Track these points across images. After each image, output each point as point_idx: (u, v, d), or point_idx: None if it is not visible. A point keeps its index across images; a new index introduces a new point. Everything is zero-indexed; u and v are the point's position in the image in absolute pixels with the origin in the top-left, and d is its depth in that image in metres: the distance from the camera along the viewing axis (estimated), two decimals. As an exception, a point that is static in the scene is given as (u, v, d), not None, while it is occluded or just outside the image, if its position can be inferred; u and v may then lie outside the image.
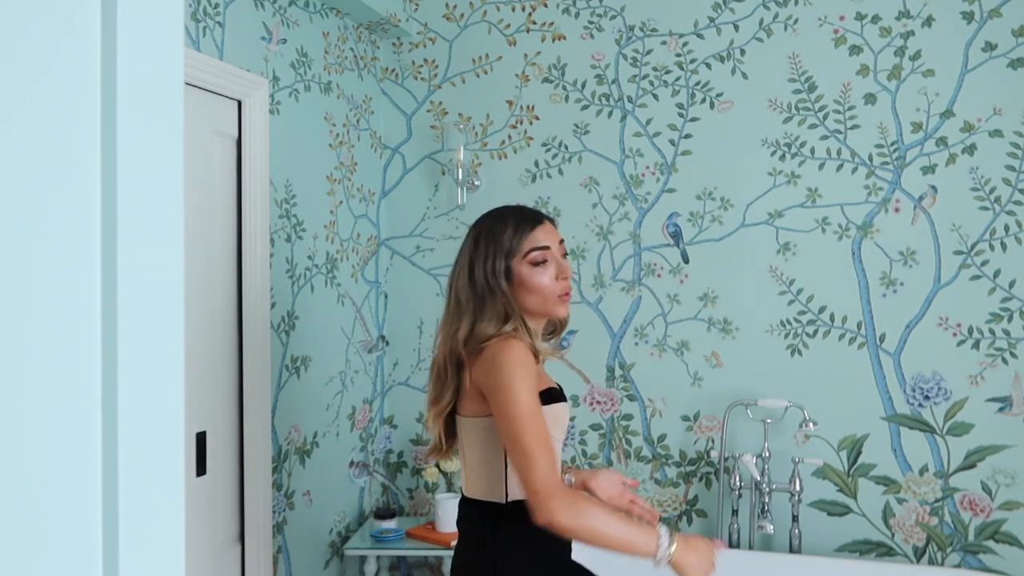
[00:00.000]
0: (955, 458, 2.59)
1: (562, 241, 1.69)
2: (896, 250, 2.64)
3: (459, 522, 1.69)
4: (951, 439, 2.59)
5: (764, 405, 2.65)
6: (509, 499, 1.59)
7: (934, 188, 2.61)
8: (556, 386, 1.67)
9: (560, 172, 2.92)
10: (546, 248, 1.64)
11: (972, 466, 2.57)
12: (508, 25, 2.97)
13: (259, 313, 2.35)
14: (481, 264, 1.62)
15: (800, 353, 2.71)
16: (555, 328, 1.80)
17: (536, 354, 1.61)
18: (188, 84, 2.11)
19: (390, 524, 2.79)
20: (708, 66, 2.79)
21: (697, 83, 2.80)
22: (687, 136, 2.81)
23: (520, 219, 1.65)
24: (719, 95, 2.78)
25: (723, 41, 2.78)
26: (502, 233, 1.63)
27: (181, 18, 0.54)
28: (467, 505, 1.67)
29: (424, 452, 3.09)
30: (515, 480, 1.56)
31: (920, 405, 2.61)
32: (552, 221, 1.69)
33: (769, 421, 2.66)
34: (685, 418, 2.81)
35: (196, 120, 2.15)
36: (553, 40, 2.93)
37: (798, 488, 2.59)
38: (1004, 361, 2.54)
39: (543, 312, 1.64)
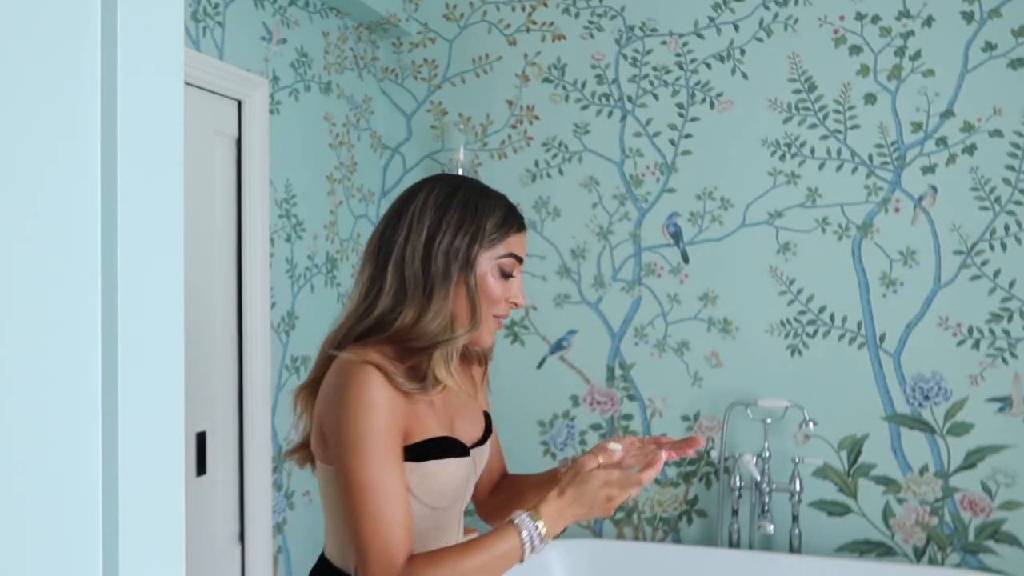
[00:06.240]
0: (955, 458, 2.59)
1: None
2: (896, 250, 2.64)
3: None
4: (951, 439, 2.59)
5: (764, 405, 2.65)
6: (337, 564, 1.29)
7: (934, 188, 2.61)
8: (453, 436, 1.28)
9: (560, 172, 2.92)
10: (520, 261, 1.31)
11: (972, 466, 2.57)
12: (508, 25, 2.97)
13: (259, 313, 2.35)
14: (450, 236, 1.24)
15: (800, 353, 2.71)
16: (482, 358, 1.46)
17: (421, 388, 1.22)
18: (188, 84, 2.11)
19: (390, 524, 2.79)
20: (708, 66, 2.79)
21: (697, 83, 2.80)
22: (687, 136, 2.81)
23: (510, 211, 1.32)
24: (719, 95, 2.78)
25: (723, 41, 2.78)
26: (488, 213, 1.28)
27: (181, 18, 0.54)
28: (322, 564, 1.33)
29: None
30: (341, 544, 1.27)
31: (920, 405, 2.61)
32: None
33: (769, 421, 2.66)
34: (685, 418, 2.81)
35: (196, 120, 2.15)
36: (553, 40, 2.93)
37: (798, 488, 2.59)
38: (1004, 361, 2.55)
39: (470, 332, 1.26)
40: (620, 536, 2.87)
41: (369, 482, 1.14)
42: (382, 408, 1.16)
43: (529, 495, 1.38)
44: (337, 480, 1.19)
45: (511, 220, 1.30)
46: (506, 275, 1.29)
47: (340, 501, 1.19)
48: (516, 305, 1.30)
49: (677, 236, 2.82)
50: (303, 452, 1.37)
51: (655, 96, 2.84)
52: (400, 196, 1.33)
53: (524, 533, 1.14)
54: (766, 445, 2.63)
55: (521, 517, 1.16)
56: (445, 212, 1.26)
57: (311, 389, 1.32)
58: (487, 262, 1.27)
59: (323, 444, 1.24)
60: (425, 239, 1.24)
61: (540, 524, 1.15)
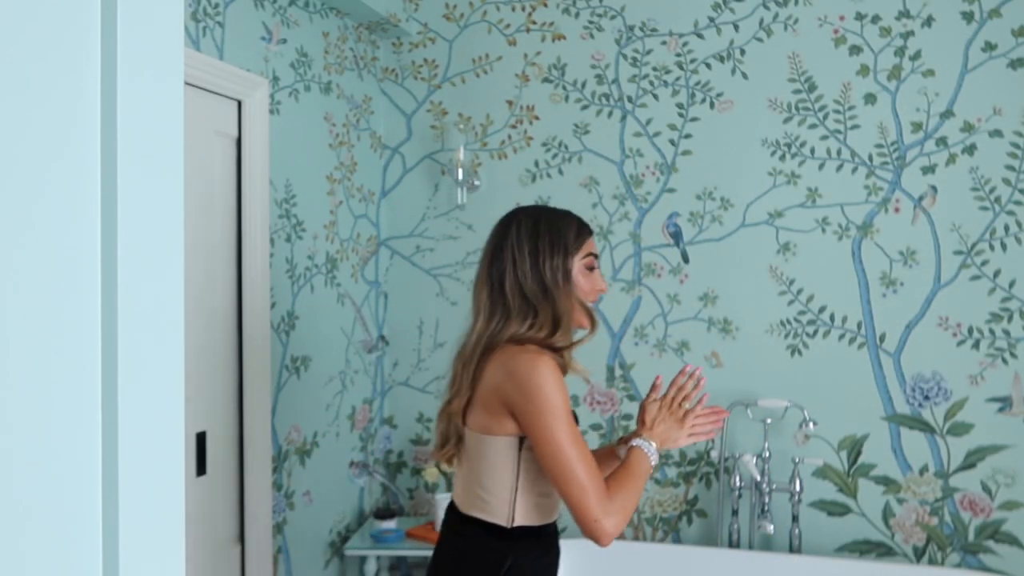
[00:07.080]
0: (955, 458, 2.59)
1: None
2: (896, 250, 2.64)
3: (451, 535, 1.64)
4: (951, 439, 2.59)
5: (764, 405, 2.65)
6: (515, 523, 1.57)
7: (934, 188, 2.61)
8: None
9: (560, 172, 2.92)
10: (596, 257, 1.65)
11: (972, 466, 2.57)
12: (508, 25, 2.97)
13: (259, 313, 2.35)
14: (548, 256, 1.57)
15: (800, 353, 2.71)
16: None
17: (564, 369, 1.59)
18: (188, 84, 2.11)
19: (390, 524, 2.79)
20: (708, 66, 2.79)
21: (697, 83, 2.80)
22: (687, 136, 2.81)
23: (581, 222, 1.64)
24: (719, 95, 2.78)
25: (723, 41, 2.78)
26: (568, 230, 1.60)
27: (181, 18, 0.54)
28: (463, 521, 1.62)
29: (427, 452, 3.08)
30: (524, 505, 1.57)
31: (920, 405, 2.61)
32: None
33: (769, 421, 2.66)
34: (685, 418, 2.81)
35: (196, 120, 2.15)
36: (553, 40, 2.93)
37: (798, 488, 2.59)
38: (1004, 361, 2.55)
39: (577, 321, 1.61)
40: (620, 536, 2.87)
41: (575, 440, 1.50)
42: (565, 387, 1.52)
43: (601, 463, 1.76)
44: (546, 448, 1.49)
45: (583, 228, 1.64)
46: (590, 269, 1.62)
47: (549, 460, 1.49)
48: (602, 291, 1.65)
49: (677, 236, 2.82)
50: (452, 448, 1.66)
51: (655, 96, 2.84)
52: (494, 233, 1.64)
53: (647, 450, 1.60)
54: (766, 445, 2.63)
55: (638, 442, 1.61)
56: (537, 238, 1.58)
57: (464, 400, 1.59)
58: (576, 266, 1.60)
59: (496, 420, 1.54)
60: (530, 263, 1.57)
61: (651, 442, 1.61)
